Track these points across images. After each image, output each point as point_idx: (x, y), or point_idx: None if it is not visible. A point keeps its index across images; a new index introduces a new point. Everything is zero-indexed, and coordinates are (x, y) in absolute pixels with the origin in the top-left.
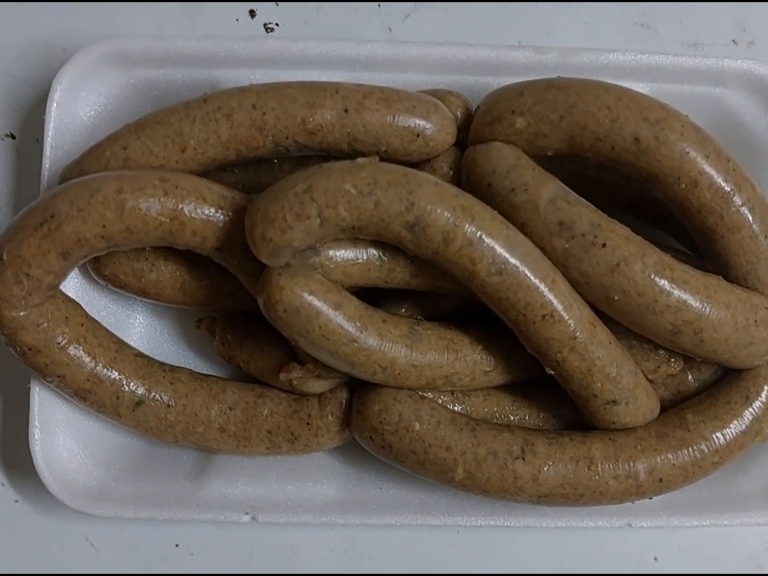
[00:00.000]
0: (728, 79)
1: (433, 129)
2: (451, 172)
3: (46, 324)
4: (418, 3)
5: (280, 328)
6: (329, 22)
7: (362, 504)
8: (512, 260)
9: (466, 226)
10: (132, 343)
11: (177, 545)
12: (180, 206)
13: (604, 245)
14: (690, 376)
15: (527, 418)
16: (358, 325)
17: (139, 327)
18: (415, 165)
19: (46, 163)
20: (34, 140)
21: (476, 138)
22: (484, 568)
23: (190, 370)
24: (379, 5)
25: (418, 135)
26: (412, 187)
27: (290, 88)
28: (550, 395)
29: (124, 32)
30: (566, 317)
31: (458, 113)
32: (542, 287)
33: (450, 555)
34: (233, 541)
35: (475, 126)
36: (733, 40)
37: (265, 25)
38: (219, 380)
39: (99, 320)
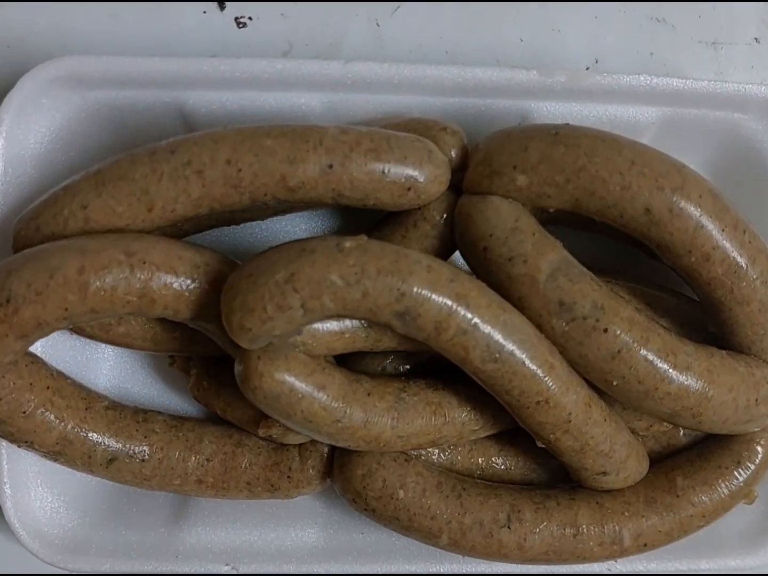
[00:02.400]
0: (750, 104)
1: (426, 180)
2: (443, 220)
3: (9, 396)
4: None
5: (260, 409)
6: (309, 16)
7: (344, 551)
8: (508, 347)
9: (461, 315)
10: (101, 379)
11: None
12: (149, 283)
13: (605, 330)
14: (681, 432)
15: (513, 467)
16: (342, 405)
17: (107, 361)
18: (404, 212)
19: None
20: None
21: (472, 187)
22: None
23: (165, 416)
24: None
25: (409, 188)
26: (403, 275)
27: (269, 137)
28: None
29: (80, 26)
30: (562, 403)
31: (453, 153)
32: (539, 374)
33: None
34: None
35: (472, 175)
36: (756, 39)
37: (236, 19)
38: (195, 427)
39: (65, 359)
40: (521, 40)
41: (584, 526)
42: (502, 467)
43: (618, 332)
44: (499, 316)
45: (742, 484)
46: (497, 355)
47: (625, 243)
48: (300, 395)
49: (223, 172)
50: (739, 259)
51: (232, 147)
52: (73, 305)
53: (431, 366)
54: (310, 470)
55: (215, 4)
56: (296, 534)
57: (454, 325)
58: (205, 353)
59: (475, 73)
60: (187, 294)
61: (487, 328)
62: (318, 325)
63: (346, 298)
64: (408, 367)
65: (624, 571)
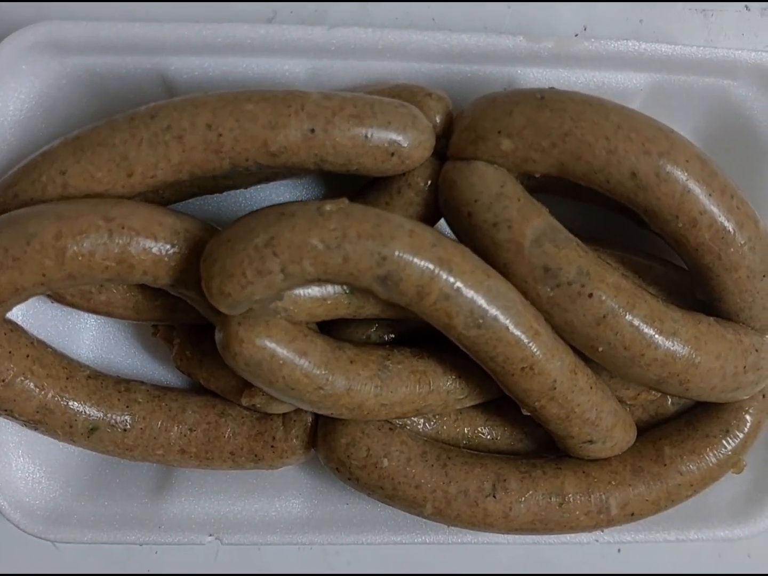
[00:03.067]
0: (739, 71)
1: (410, 146)
2: (428, 186)
3: None
4: None
5: (241, 376)
6: None
7: (329, 521)
8: (492, 313)
9: (443, 279)
10: (83, 350)
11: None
12: (128, 248)
13: (590, 295)
14: (669, 401)
15: (500, 437)
16: (325, 371)
17: (90, 330)
18: (388, 179)
19: None
20: None
21: (457, 153)
22: None
23: (147, 385)
24: None
25: (393, 153)
26: (384, 239)
27: (250, 102)
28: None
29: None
30: (547, 369)
31: (437, 119)
32: (523, 340)
33: (419, 569)
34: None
35: (457, 140)
36: (746, 6)
37: None
38: (178, 397)
39: (46, 329)
40: (509, 8)
41: (570, 495)
42: (489, 437)
43: (603, 298)
44: (482, 281)
45: (730, 453)
46: (481, 321)
47: (613, 211)
48: (281, 361)
49: (203, 137)
50: (726, 224)
51: (212, 112)
52: (50, 271)
53: (416, 335)
54: (294, 440)
55: None
56: (281, 505)
57: (436, 289)
58: (188, 321)
59: (461, 38)
60: (166, 260)
61: (470, 294)
62: (299, 291)
63: (327, 263)
64: (392, 336)
65: (612, 541)
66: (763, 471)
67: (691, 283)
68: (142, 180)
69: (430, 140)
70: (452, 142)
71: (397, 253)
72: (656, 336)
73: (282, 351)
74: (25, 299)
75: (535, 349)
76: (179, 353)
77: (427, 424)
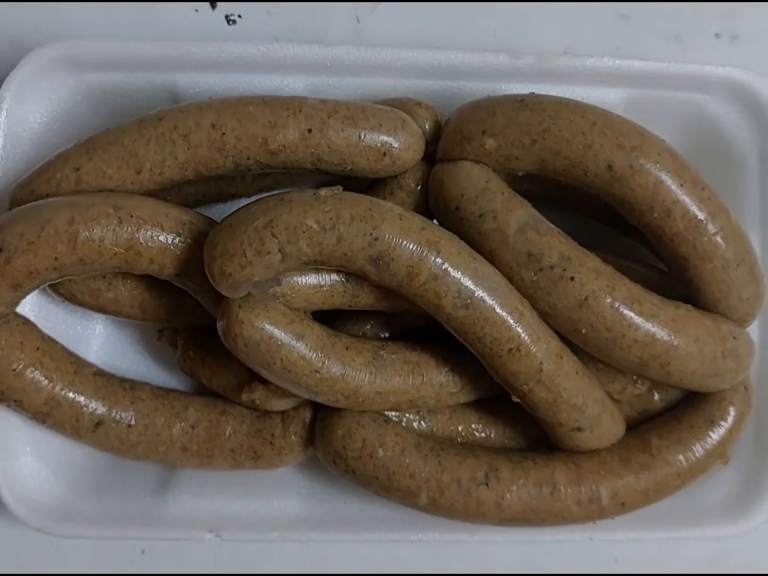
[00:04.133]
0: (710, 85)
1: (401, 147)
2: (419, 188)
3: (0, 352)
4: None
5: (241, 359)
6: (294, 14)
7: (327, 520)
8: (479, 294)
9: (431, 260)
10: (91, 355)
11: (143, 551)
12: (136, 235)
13: (572, 279)
14: (656, 396)
15: (493, 435)
16: (321, 355)
17: (99, 336)
18: (381, 180)
19: None
20: None
21: (445, 155)
22: None
23: (152, 386)
24: None
25: (384, 154)
26: (376, 221)
27: (251, 105)
28: (517, 412)
29: (77, 25)
30: (533, 351)
31: (426, 126)
32: (509, 321)
33: (416, 568)
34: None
35: (444, 143)
36: (716, 34)
37: (226, 16)
38: (181, 397)
39: (56, 333)
40: (494, 36)
41: (561, 485)
42: (482, 435)
43: (584, 280)
44: (469, 263)
45: (715, 443)
46: (468, 301)
47: (598, 220)
48: (279, 343)
49: (207, 136)
50: (698, 213)
51: (216, 113)
52: (62, 255)
53: (409, 334)
54: (293, 436)
55: (207, 3)
56: (279, 504)
57: (425, 269)
58: (191, 322)
59: (447, 55)
60: (172, 248)
61: (458, 274)
62: (297, 278)
63: (322, 243)
64: (387, 334)
65: (605, 539)
66: (752, 468)
67: (671, 281)
68: (150, 177)
69: (420, 143)
70: (440, 145)
71: (388, 234)
72: (636, 317)
73: (279, 333)
74: (38, 284)
75: (520, 331)
76: (183, 353)
77: (422, 422)
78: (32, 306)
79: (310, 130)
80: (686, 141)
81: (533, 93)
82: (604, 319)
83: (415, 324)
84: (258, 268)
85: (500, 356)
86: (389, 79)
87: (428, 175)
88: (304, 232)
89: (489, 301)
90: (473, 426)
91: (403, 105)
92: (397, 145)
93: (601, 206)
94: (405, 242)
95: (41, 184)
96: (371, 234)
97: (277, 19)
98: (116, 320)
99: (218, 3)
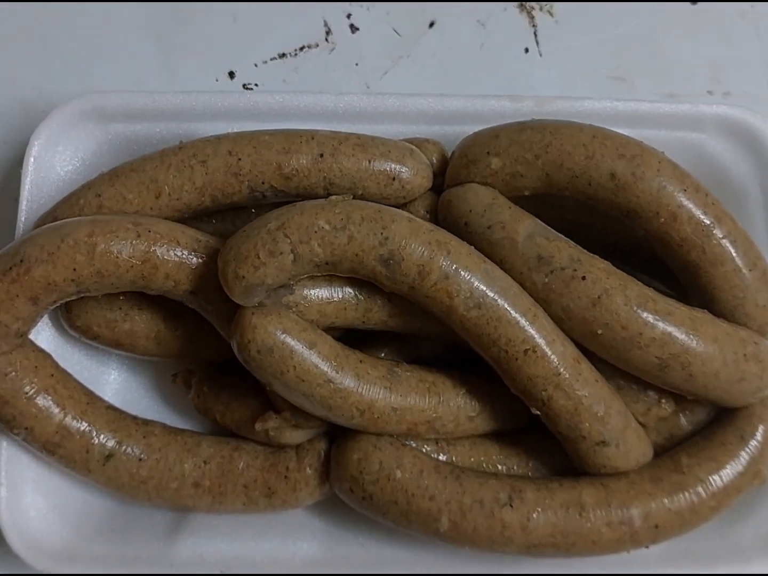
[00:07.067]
0: (705, 124)
1: (409, 173)
2: (428, 216)
3: (14, 373)
4: (396, 60)
5: (253, 371)
6: (307, 82)
7: (343, 563)
8: (491, 294)
9: (442, 259)
10: (106, 399)
11: None
12: (152, 248)
13: (584, 278)
14: (683, 419)
15: (515, 467)
16: (334, 364)
17: (113, 383)
18: None
19: (22, 217)
20: (12, 200)
21: (452, 181)
22: None
23: (164, 423)
24: (357, 63)
25: (394, 179)
26: (385, 222)
27: (266, 134)
28: (539, 443)
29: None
30: (549, 352)
31: (434, 159)
32: (523, 321)
33: None
34: None
35: (451, 169)
36: (709, 92)
37: (244, 85)
38: (194, 434)
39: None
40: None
41: (589, 506)
42: (504, 466)
43: (596, 279)
44: (479, 263)
45: (749, 460)
46: (481, 301)
47: (603, 248)
48: (292, 349)
49: (224, 161)
50: (704, 217)
51: (233, 142)
52: (81, 265)
53: (424, 362)
54: (308, 469)
55: (226, 73)
56: (294, 546)
57: (436, 268)
58: (206, 357)
59: (452, 101)
60: (187, 263)
61: (468, 274)
62: (309, 289)
63: (333, 243)
64: (399, 361)
65: (643, 573)
66: None
67: (685, 299)
68: (168, 202)
69: (428, 171)
70: (448, 172)
71: (398, 233)
72: (651, 315)
73: (292, 340)
74: (56, 299)
75: (534, 332)
76: (197, 390)
77: (441, 454)
78: (48, 344)
79: (322, 155)
80: None
81: (533, 119)
82: (619, 317)
83: (429, 353)
84: (271, 270)
85: (516, 359)
86: (398, 125)
87: (437, 203)
88: (315, 232)
89: (501, 301)
90: (495, 457)
91: (412, 142)
92: (405, 171)
93: (610, 242)
94: (415, 242)
95: (64, 211)
96: (381, 233)
97: (290, 86)
98: (131, 365)
99: (236, 73)
